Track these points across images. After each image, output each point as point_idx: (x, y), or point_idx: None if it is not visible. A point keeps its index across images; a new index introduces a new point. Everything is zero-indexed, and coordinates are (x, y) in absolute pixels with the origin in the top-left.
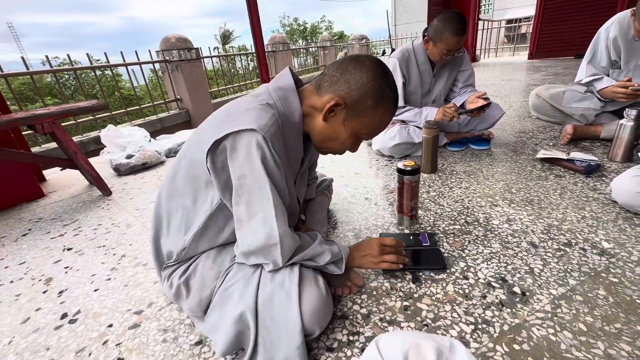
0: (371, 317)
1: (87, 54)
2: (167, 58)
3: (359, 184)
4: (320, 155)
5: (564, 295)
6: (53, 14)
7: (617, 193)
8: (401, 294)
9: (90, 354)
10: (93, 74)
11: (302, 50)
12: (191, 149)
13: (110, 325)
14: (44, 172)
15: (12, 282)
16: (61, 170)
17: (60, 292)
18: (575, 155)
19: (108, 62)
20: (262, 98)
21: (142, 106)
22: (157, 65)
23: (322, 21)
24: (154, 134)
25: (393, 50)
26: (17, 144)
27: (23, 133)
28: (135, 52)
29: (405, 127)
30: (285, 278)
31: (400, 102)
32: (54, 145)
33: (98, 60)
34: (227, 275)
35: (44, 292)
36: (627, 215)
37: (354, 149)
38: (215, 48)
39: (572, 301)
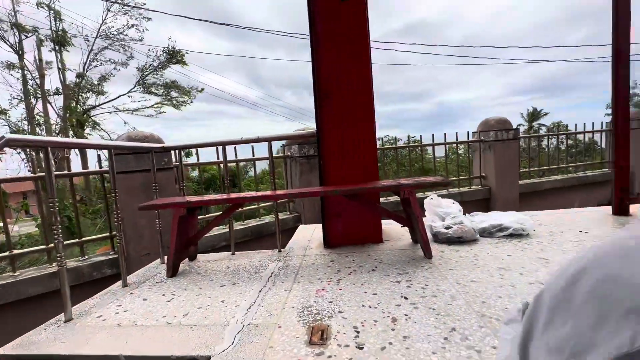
0: None
1: (408, 135)
2: (482, 138)
3: None
4: None
5: None
6: (388, 105)
7: None
8: None
9: None
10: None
11: None
12: (609, 265)
13: None
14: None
15: (370, 307)
16: (402, 226)
17: (404, 337)
18: None
19: (433, 140)
20: None
21: (450, 179)
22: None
23: None
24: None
25: None
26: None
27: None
28: (444, 134)
29: None
30: None
31: None
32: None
33: (414, 137)
34: None
35: (392, 330)
36: None
37: None
38: (518, 125)
39: None
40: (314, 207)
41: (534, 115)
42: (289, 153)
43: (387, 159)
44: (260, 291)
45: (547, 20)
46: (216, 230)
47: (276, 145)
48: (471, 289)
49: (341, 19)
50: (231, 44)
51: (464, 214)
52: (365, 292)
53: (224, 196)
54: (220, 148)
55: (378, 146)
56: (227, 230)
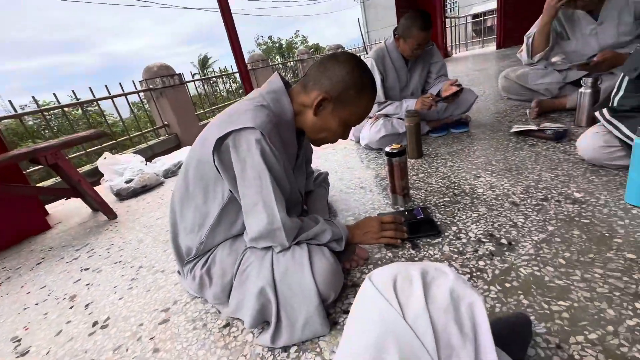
0: None
1: (73, 91)
2: (151, 86)
3: (352, 176)
4: (314, 156)
5: (545, 239)
6: (30, 58)
7: (583, 150)
8: (403, 260)
9: (127, 349)
10: (80, 111)
11: (280, 65)
12: (197, 151)
13: (141, 325)
14: (47, 206)
15: (37, 304)
16: (66, 200)
17: (87, 305)
18: (546, 125)
19: (94, 96)
20: (257, 100)
21: (131, 135)
22: (142, 95)
23: (296, 36)
24: (148, 160)
25: None
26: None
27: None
28: (120, 84)
29: (389, 120)
30: (295, 252)
31: (381, 98)
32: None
33: (79, 99)
34: (242, 259)
35: (71, 308)
36: (594, 169)
37: (344, 135)
38: (195, 74)
39: (552, 243)
40: None
41: (204, 62)
42: None
43: (51, 131)
44: None
45: None
46: None
47: None
48: (157, 225)
49: None
50: None
51: (146, 163)
52: (29, 293)
53: None
54: None
55: (18, 112)
56: None
